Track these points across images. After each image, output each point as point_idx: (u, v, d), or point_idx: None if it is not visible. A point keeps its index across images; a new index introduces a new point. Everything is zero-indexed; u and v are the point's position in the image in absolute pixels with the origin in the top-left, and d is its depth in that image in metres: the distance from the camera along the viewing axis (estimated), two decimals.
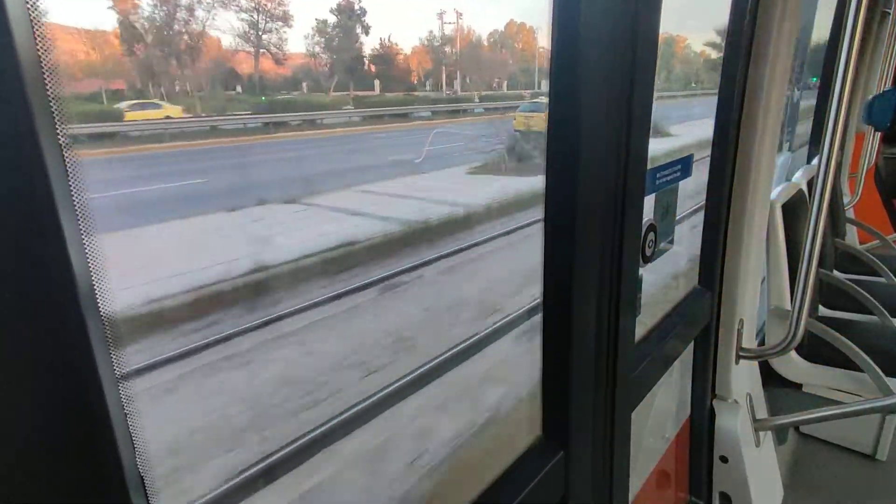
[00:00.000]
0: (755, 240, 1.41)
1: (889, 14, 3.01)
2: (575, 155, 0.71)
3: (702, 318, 1.36)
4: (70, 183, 0.32)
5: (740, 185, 1.34)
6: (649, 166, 1.02)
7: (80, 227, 0.32)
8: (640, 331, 1.12)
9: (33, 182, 0.29)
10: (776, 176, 2.00)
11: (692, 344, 1.38)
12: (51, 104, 0.31)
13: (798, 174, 2.13)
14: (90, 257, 0.33)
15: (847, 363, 1.59)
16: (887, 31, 3.11)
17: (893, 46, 3.24)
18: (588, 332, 0.82)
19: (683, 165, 1.08)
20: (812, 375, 1.72)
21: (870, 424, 1.97)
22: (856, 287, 2.00)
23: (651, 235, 0.97)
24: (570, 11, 0.66)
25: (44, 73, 0.30)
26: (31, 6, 0.29)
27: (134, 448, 0.37)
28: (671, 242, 1.14)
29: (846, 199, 3.10)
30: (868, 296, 1.97)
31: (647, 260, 0.97)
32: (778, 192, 1.74)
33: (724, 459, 1.46)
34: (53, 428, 0.32)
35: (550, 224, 0.76)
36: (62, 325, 0.32)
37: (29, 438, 0.31)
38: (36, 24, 0.30)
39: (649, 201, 1.01)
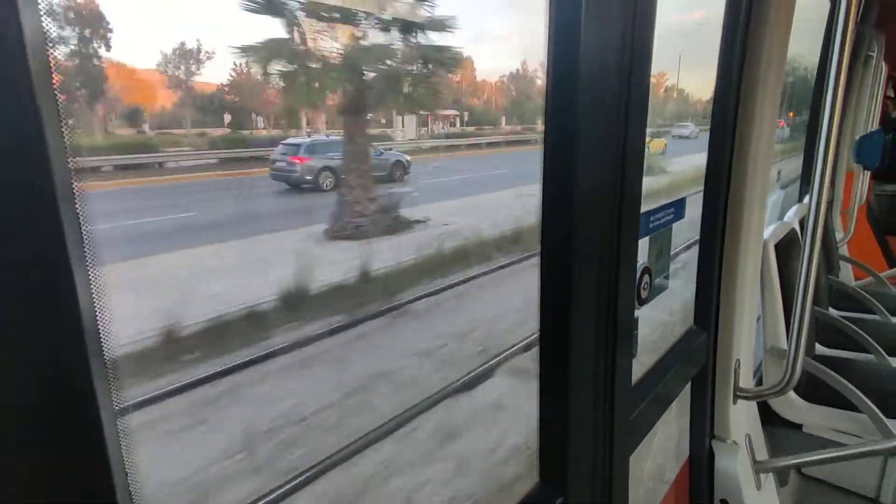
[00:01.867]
0: (749, 279, 1.42)
1: (872, 57, 3.13)
2: (569, 201, 0.72)
3: (698, 358, 1.36)
4: (78, 213, 0.32)
5: (733, 226, 1.36)
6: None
7: (87, 257, 0.33)
8: (638, 371, 1.12)
9: (40, 214, 0.30)
10: (769, 215, 2.03)
11: (689, 385, 1.38)
12: (64, 135, 0.31)
13: (790, 213, 2.16)
14: (95, 288, 0.34)
15: (846, 403, 1.57)
16: (871, 74, 3.21)
17: (877, 88, 3.35)
18: (585, 375, 0.82)
19: (676, 208, 1.10)
20: (811, 416, 1.70)
21: (872, 466, 1.94)
22: (851, 325, 2.01)
23: (646, 278, 0.98)
24: (565, 59, 0.69)
25: (56, 97, 0.31)
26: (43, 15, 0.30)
27: (127, 478, 0.37)
28: (666, 282, 1.14)
29: (839, 236, 3.13)
30: (863, 334, 1.97)
31: (642, 302, 0.98)
32: (771, 232, 1.77)
33: (724, 503, 1.43)
34: (49, 458, 0.32)
35: (546, 269, 0.77)
36: (63, 356, 0.32)
37: (23, 468, 0.31)
38: (48, 36, 0.31)
39: (644, 243, 1.02)
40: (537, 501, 0.81)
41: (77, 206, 0.32)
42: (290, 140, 6.99)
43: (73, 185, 0.32)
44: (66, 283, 0.31)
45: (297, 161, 6.65)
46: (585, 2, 0.66)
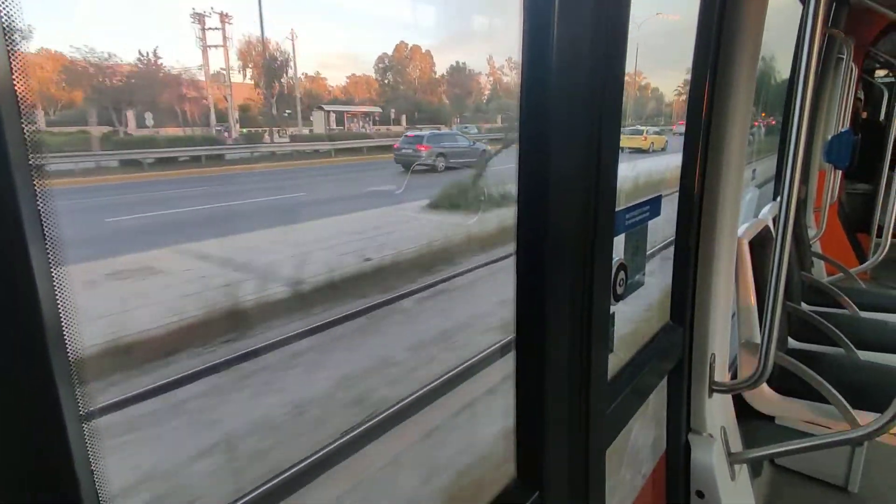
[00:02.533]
0: (724, 276, 1.45)
1: (842, 59, 3.21)
2: (544, 199, 0.73)
3: (674, 352, 1.39)
4: (41, 212, 0.32)
5: (708, 223, 1.39)
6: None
7: (49, 256, 0.32)
8: (615, 367, 1.13)
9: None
10: (745, 213, 2.07)
11: (666, 379, 1.40)
12: (24, 131, 0.31)
13: (764, 210, 2.21)
14: (58, 288, 0.33)
15: (817, 395, 1.62)
16: (842, 76, 3.31)
17: (848, 90, 3.44)
18: (561, 371, 0.83)
19: (652, 206, 1.12)
20: (784, 408, 1.74)
21: (841, 456, 2.00)
22: (822, 320, 2.06)
23: (622, 274, 1.00)
24: (539, 58, 0.70)
25: (19, 103, 0.30)
26: (6, 22, 0.30)
27: (97, 492, 0.36)
28: (642, 279, 1.16)
29: (812, 233, 3.22)
30: (833, 328, 2.03)
31: (618, 298, 0.99)
32: (745, 229, 1.80)
33: (700, 494, 1.46)
34: (11, 467, 0.32)
35: (522, 265, 0.77)
36: (24, 358, 0.31)
37: None
38: (10, 42, 0.30)
39: (620, 240, 1.04)
40: (514, 497, 0.81)
41: (39, 203, 0.32)
42: (412, 133, 9.91)
43: (35, 183, 0.32)
44: (27, 283, 0.31)
45: (422, 149, 9.11)
46: (559, 1, 0.67)
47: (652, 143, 15.82)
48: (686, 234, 1.38)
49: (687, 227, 1.37)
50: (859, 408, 1.53)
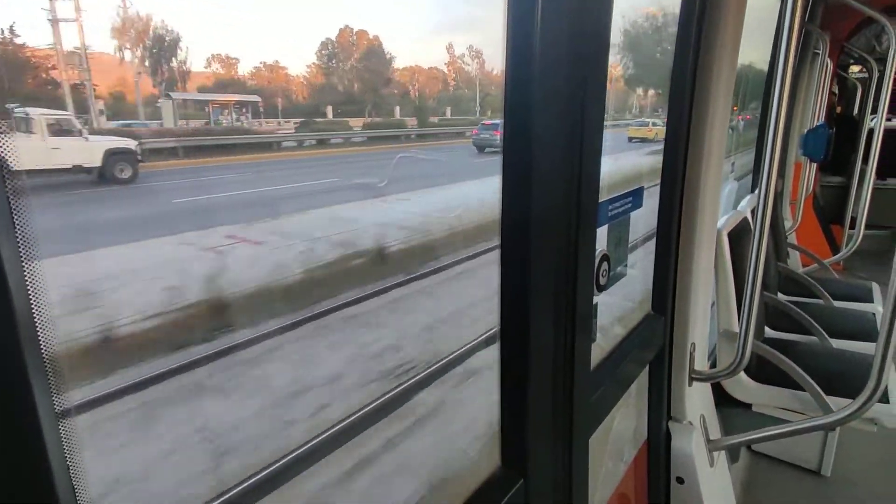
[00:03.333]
0: (703, 267, 1.47)
1: (818, 55, 3.28)
2: (528, 188, 0.73)
3: (656, 342, 1.41)
4: (11, 204, 0.31)
5: (688, 216, 1.41)
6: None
7: (21, 248, 0.31)
8: (597, 356, 1.15)
9: None
10: (724, 205, 2.11)
11: (647, 368, 1.43)
12: None
13: (743, 203, 2.26)
14: (30, 284, 0.32)
15: (792, 383, 1.67)
16: (818, 71, 3.38)
17: (823, 84, 3.52)
18: (545, 360, 0.84)
19: (634, 197, 1.13)
20: (760, 395, 1.79)
21: (814, 442, 2.07)
22: (797, 309, 2.12)
23: (605, 265, 1.01)
24: (522, 49, 0.70)
25: None
26: None
27: (75, 493, 0.36)
28: (625, 270, 1.18)
29: (788, 225, 3.29)
30: (808, 318, 2.08)
31: (601, 288, 1.00)
32: (724, 221, 1.84)
33: (680, 481, 1.49)
34: None
35: (506, 256, 0.78)
36: None
37: None
38: None
39: (603, 232, 1.05)
40: (499, 484, 0.82)
41: (8, 193, 0.31)
42: (487, 122, 12.14)
43: (5, 178, 0.31)
44: None
45: (497, 134, 11.18)
46: None
47: (656, 133, 17.24)
48: (667, 225, 1.40)
49: (668, 218, 1.39)
50: (832, 394, 1.58)
